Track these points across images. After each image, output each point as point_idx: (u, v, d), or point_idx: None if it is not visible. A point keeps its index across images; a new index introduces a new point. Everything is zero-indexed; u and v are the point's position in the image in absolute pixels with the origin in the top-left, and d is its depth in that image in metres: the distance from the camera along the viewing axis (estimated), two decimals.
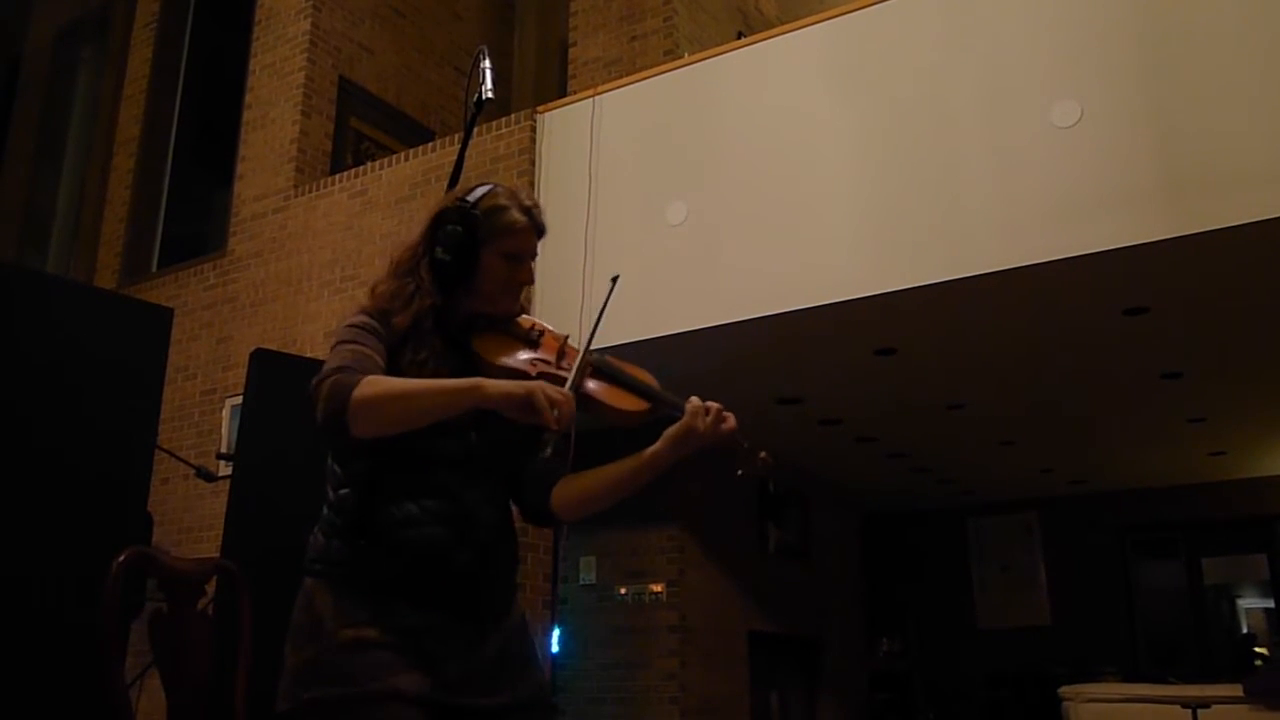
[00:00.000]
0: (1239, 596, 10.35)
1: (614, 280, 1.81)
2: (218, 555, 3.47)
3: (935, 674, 9.64)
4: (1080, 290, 4.63)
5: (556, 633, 6.45)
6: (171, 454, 4.97)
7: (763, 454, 1.74)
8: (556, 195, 5.54)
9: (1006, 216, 4.38)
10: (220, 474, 5.05)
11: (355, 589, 1.61)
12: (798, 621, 7.90)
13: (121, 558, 2.05)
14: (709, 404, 1.68)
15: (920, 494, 9.47)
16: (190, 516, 6.16)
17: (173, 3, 8.30)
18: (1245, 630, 9.90)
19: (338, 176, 6.51)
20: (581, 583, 6.86)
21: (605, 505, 1.76)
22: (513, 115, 5.87)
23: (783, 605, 7.67)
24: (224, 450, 5.95)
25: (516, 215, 1.76)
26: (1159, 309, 4.85)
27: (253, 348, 4.25)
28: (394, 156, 6.32)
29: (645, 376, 1.79)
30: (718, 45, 5.93)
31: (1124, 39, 4.32)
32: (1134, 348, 5.45)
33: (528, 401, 1.48)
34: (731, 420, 1.69)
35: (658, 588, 6.60)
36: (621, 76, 5.89)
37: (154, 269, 7.59)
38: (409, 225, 5.60)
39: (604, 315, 1.75)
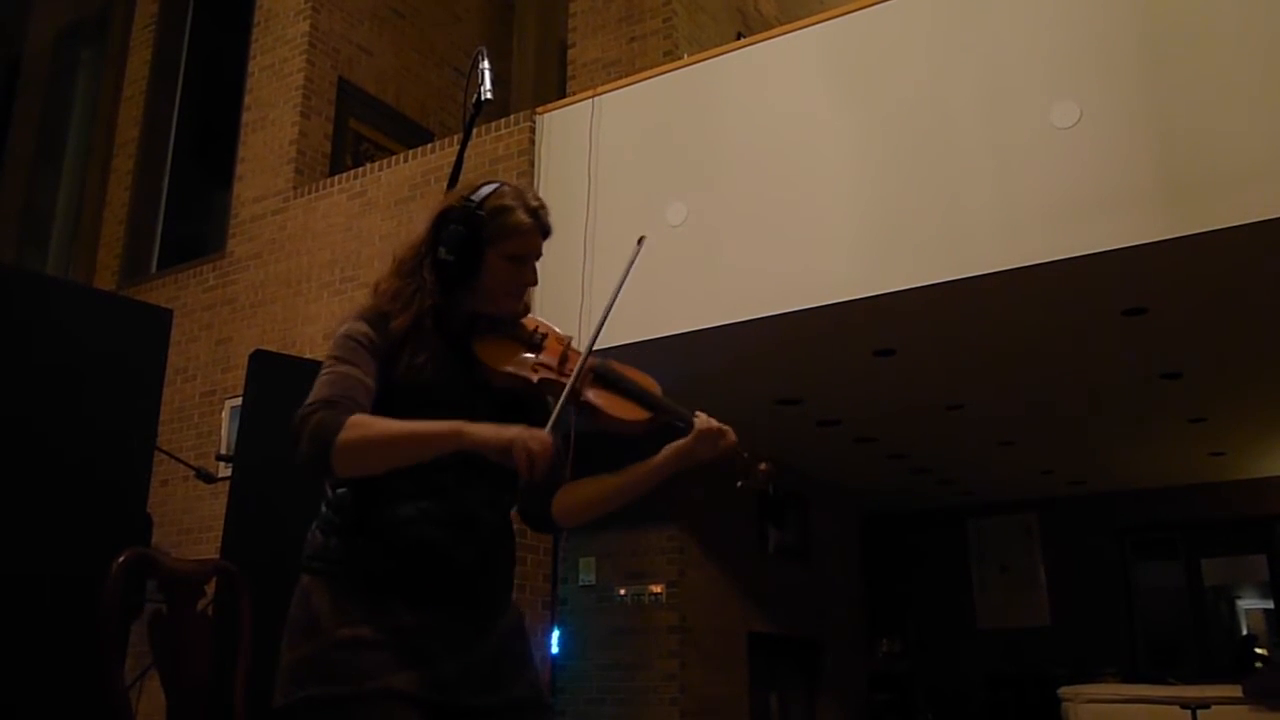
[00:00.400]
0: (1238, 597, 10.35)
1: (640, 241, 1.79)
2: (217, 556, 3.48)
3: (935, 675, 9.64)
4: (1080, 291, 4.63)
5: (556, 633, 6.45)
6: (171, 455, 4.97)
7: (763, 465, 1.73)
8: (556, 196, 5.54)
9: (1006, 217, 4.38)
10: (220, 475, 5.05)
11: (352, 587, 1.61)
12: (797, 622, 7.89)
13: (121, 559, 2.05)
14: (710, 423, 1.69)
15: (920, 495, 9.47)
16: (190, 518, 6.16)
17: (172, 4, 8.31)
18: (1245, 631, 9.90)
19: (337, 178, 6.51)
20: (581, 583, 6.86)
21: (603, 514, 1.77)
22: (512, 116, 5.87)
23: (782, 606, 7.67)
24: (223, 451, 5.95)
25: (522, 216, 1.73)
26: (1158, 309, 4.85)
27: (252, 349, 4.26)
28: (393, 158, 6.32)
29: (649, 383, 1.77)
30: (717, 46, 5.93)
31: (1124, 40, 4.32)
32: (1133, 348, 5.45)
33: (505, 452, 1.48)
34: (731, 435, 1.69)
35: (657, 588, 6.60)
36: (621, 77, 5.89)
37: (153, 270, 7.59)
38: (408, 226, 5.60)
39: (626, 281, 1.73)
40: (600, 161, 5.42)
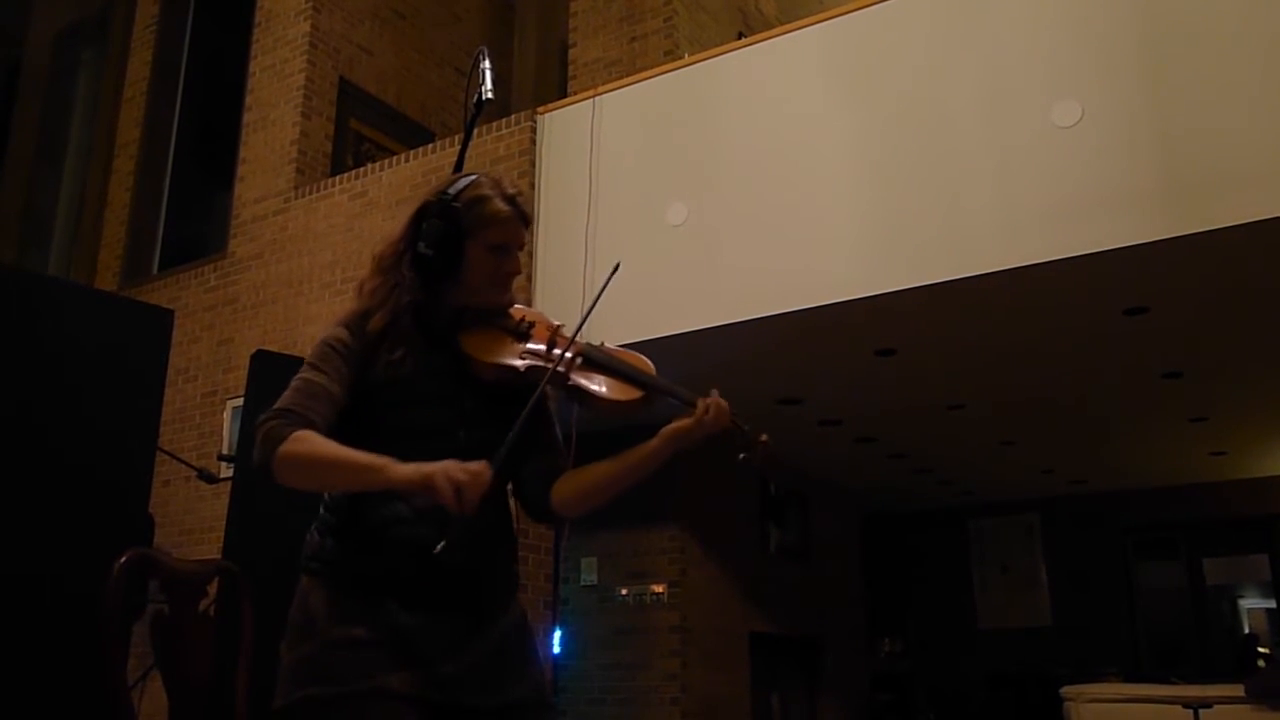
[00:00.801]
0: (1240, 597, 10.35)
1: (615, 267, 1.78)
2: (219, 557, 3.48)
3: (936, 675, 9.63)
4: (1080, 290, 4.63)
5: (558, 633, 6.45)
6: (173, 456, 4.97)
7: (763, 437, 1.69)
8: (556, 196, 5.55)
9: (1006, 216, 4.38)
10: (221, 476, 5.06)
11: (348, 587, 1.62)
12: (799, 622, 7.89)
13: (123, 559, 2.05)
14: (706, 400, 1.66)
15: (921, 495, 9.47)
16: (192, 518, 6.17)
17: (173, 5, 8.31)
18: (1247, 630, 9.89)
19: (338, 178, 6.51)
20: (583, 583, 6.86)
21: (604, 501, 1.74)
22: (513, 116, 5.87)
23: (784, 606, 7.67)
24: (225, 452, 5.95)
25: (500, 205, 1.72)
26: (1159, 308, 4.85)
27: (253, 349, 4.26)
28: (394, 158, 6.32)
29: (641, 363, 1.75)
30: (718, 46, 5.93)
31: (1125, 39, 4.32)
32: (1134, 347, 5.45)
33: (427, 488, 1.44)
34: (726, 407, 1.65)
35: (659, 588, 6.59)
36: (621, 77, 5.90)
37: (155, 271, 7.59)
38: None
39: (598, 303, 1.72)
40: (601, 161, 5.42)
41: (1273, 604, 9.57)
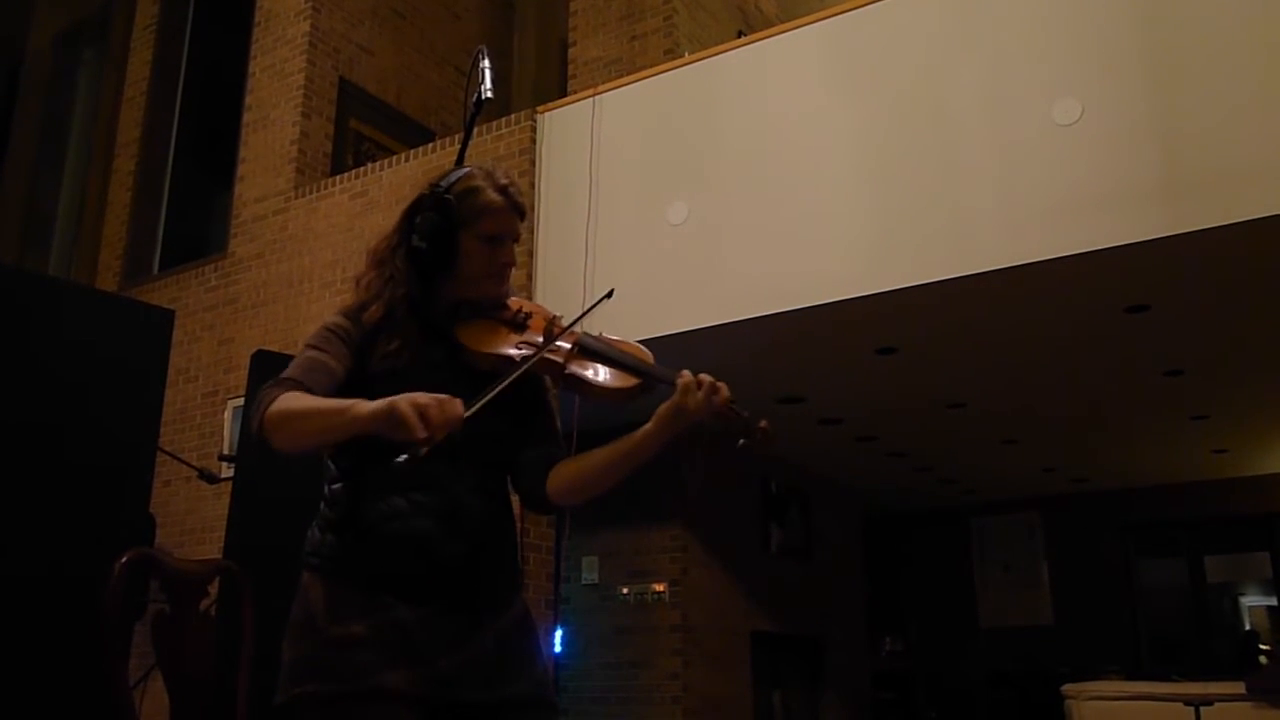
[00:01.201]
0: (1241, 594, 10.35)
1: (608, 294, 1.79)
2: (220, 556, 3.48)
3: (938, 673, 9.64)
4: (1081, 288, 4.63)
5: (559, 632, 6.45)
6: (174, 456, 4.97)
7: (763, 423, 1.66)
8: (557, 196, 5.55)
9: (1007, 214, 4.37)
10: (222, 475, 5.06)
11: (347, 583, 1.61)
12: (800, 621, 7.89)
13: (124, 559, 2.06)
14: (700, 376, 1.62)
15: (922, 493, 9.47)
16: (193, 518, 6.17)
17: (173, 5, 8.31)
18: (1248, 628, 9.89)
19: (338, 178, 6.51)
20: (584, 582, 6.86)
21: (602, 489, 1.71)
22: (513, 115, 5.87)
23: (785, 605, 7.67)
24: (226, 452, 5.95)
25: (492, 195, 1.72)
26: (1160, 306, 4.85)
27: (254, 349, 4.26)
28: (394, 157, 6.32)
29: (637, 351, 1.74)
30: (718, 44, 5.92)
31: (1125, 37, 4.31)
32: (1135, 345, 5.45)
33: (392, 418, 1.40)
34: (724, 391, 1.62)
35: (660, 587, 6.60)
36: (622, 76, 5.89)
37: (155, 271, 7.59)
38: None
39: (585, 315, 1.72)
40: (601, 160, 5.42)
41: (1274, 601, 9.57)
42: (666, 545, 6.66)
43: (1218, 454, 8.05)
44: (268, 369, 3.63)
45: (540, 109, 5.82)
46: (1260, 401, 6.66)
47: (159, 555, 2.26)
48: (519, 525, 1.82)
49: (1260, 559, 9.53)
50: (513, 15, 8.59)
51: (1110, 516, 9.41)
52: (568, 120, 5.66)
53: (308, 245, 6.42)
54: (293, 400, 1.54)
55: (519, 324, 1.73)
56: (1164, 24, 4.26)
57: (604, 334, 1.77)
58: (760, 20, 7.28)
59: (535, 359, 1.63)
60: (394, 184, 6.11)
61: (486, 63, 2.50)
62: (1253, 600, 10.24)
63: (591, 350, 1.71)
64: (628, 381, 1.69)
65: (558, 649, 6.47)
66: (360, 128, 7.27)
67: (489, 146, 5.79)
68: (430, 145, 6.22)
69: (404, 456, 1.39)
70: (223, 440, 6.24)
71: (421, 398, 1.41)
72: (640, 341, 1.80)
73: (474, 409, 1.47)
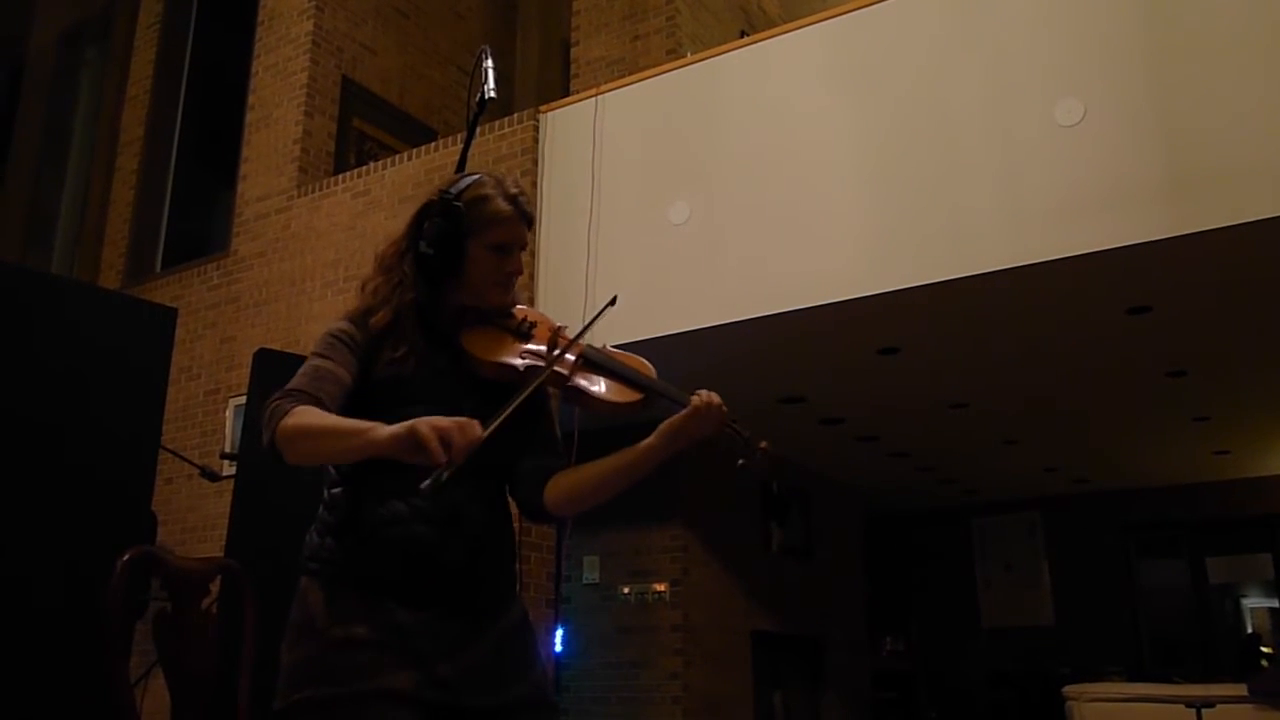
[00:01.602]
0: (1243, 596, 10.33)
1: (612, 300, 1.78)
2: (221, 555, 3.48)
3: (939, 673, 9.63)
4: (1083, 289, 4.63)
5: (559, 632, 6.45)
6: (175, 454, 4.97)
7: (763, 444, 1.67)
8: (559, 195, 5.55)
9: (1010, 215, 4.37)
10: (224, 474, 5.06)
11: (346, 587, 1.61)
12: (801, 621, 7.89)
13: (125, 557, 2.06)
14: (710, 398, 1.62)
15: (923, 493, 9.47)
16: (194, 516, 6.18)
17: (176, 4, 8.32)
18: (1249, 630, 9.88)
19: (341, 176, 6.51)
20: (585, 582, 6.86)
21: (599, 500, 1.71)
22: (515, 115, 5.87)
23: (786, 605, 7.67)
24: (228, 450, 5.96)
25: (502, 204, 1.72)
26: (1162, 307, 4.85)
27: (256, 348, 4.26)
28: (397, 156, 6.33)
29: (641, 366, 1.74)
30: (720, 44, 5.92)
31: (1128, 37, 4.31)
32: (1137, 346, 5.44)
33: (413, 442, 1.39)
34: (722, 407, 1.63)
35: (661, 587, 6.60)
36: (624, 76, 5.90)
37: (158, 269, 7.60)
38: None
39: (592, 325, 1.71)
40: (604, 160, 5.42)
41: (1275, 603, 9.56)
42: (667, 545, 6.66)
43: (1219, 455, 8.05)
44: (270, 367, 3.65)
45: (543, 109, 5.82)
46: (1262, 403, 6.66)
47: (160, 553, 2.26)
48: (519, 525, 1.82)
49: (1262, 560, 9.52)
50: (515, 15, 8.60)
51: (1112, 517, 9.40)
52: (570, 120, 5.67)
53: (310, 244, 6.43)
54: (307, 416, 1.53)
55: (523, 333, 1.73)
56: (1167, 24, 4.26)
57: (607, 346, 1.77)
58: (763, 20, 7.28)
59: (545, 374, 1.63)
60: (397, 183, 6.11)
61: (489, 62, 2.50)
62: (1254, 602, 10.22)
63: (596, 363, 1.71)
64: (630, 396, 1.69)
65: (558, 649, 6.47)
66: (363, 127, 7.27)
67: (491, 146, 5.79)
68: (433, 145, 6.22)
69: (428, 482, 1.38)
70: (224, 438, 6.25)
71: (441, 421, 1.40)
72: (641, 341, 1.81)
73: (491, 429, 1.46)
